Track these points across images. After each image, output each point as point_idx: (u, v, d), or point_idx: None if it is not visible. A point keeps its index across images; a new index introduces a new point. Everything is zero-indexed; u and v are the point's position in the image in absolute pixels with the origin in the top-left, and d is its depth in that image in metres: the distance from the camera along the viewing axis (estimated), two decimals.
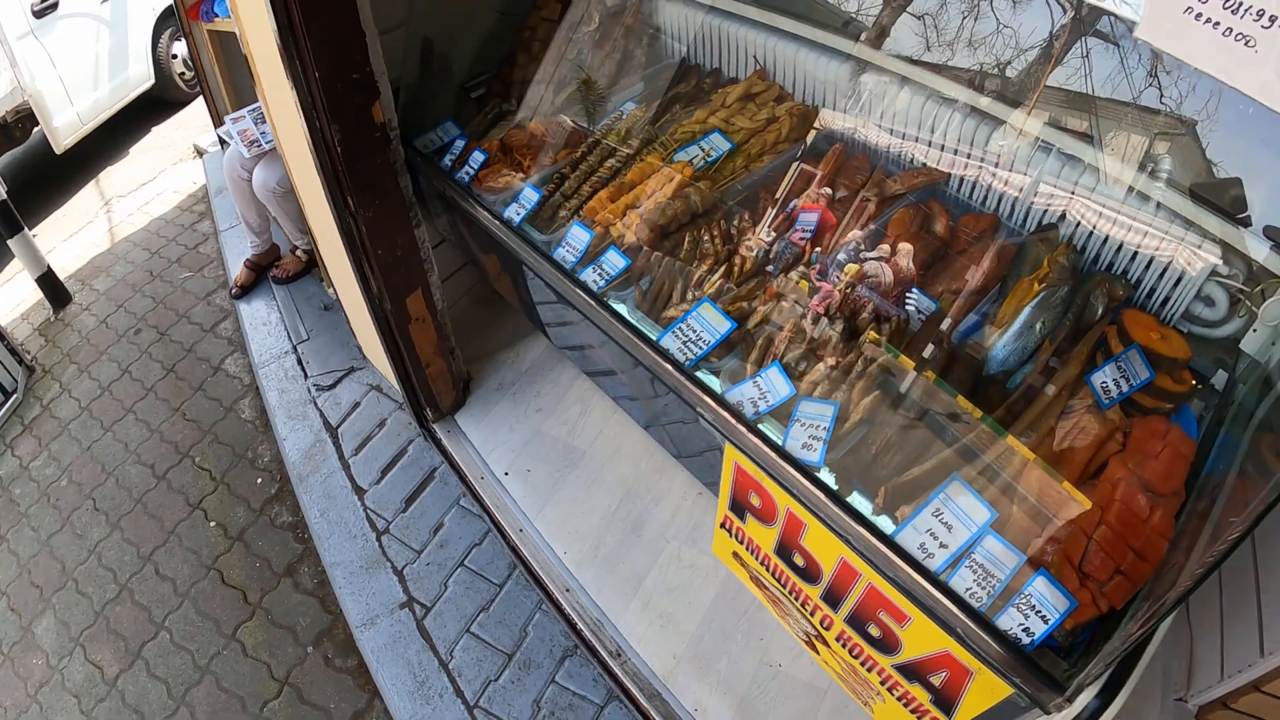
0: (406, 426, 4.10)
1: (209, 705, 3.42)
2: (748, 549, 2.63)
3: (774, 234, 2.73)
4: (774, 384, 2.33)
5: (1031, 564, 2.01)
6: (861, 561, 2.19)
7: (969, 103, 2.74)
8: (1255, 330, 2.28)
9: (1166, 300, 2.49)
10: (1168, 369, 2.30)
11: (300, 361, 4.56)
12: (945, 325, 2.38)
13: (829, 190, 2.86)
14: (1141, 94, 2.40)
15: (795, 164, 2.97)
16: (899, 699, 2.41)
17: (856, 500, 2.17)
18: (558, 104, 3.55)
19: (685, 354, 2.48)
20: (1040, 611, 1.95)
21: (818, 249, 2.70)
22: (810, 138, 3.13)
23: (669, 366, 2.48)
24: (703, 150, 3.08)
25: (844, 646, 2.50)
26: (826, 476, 2.20)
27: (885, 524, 2.12)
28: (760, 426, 2.32)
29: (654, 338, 2.54)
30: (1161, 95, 2.34)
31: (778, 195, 2.88)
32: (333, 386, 4.40)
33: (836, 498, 2.16)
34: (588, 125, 3.40)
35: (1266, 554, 2.89)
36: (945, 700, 2.23)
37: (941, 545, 2.05)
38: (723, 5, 3.46)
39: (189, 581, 3.88)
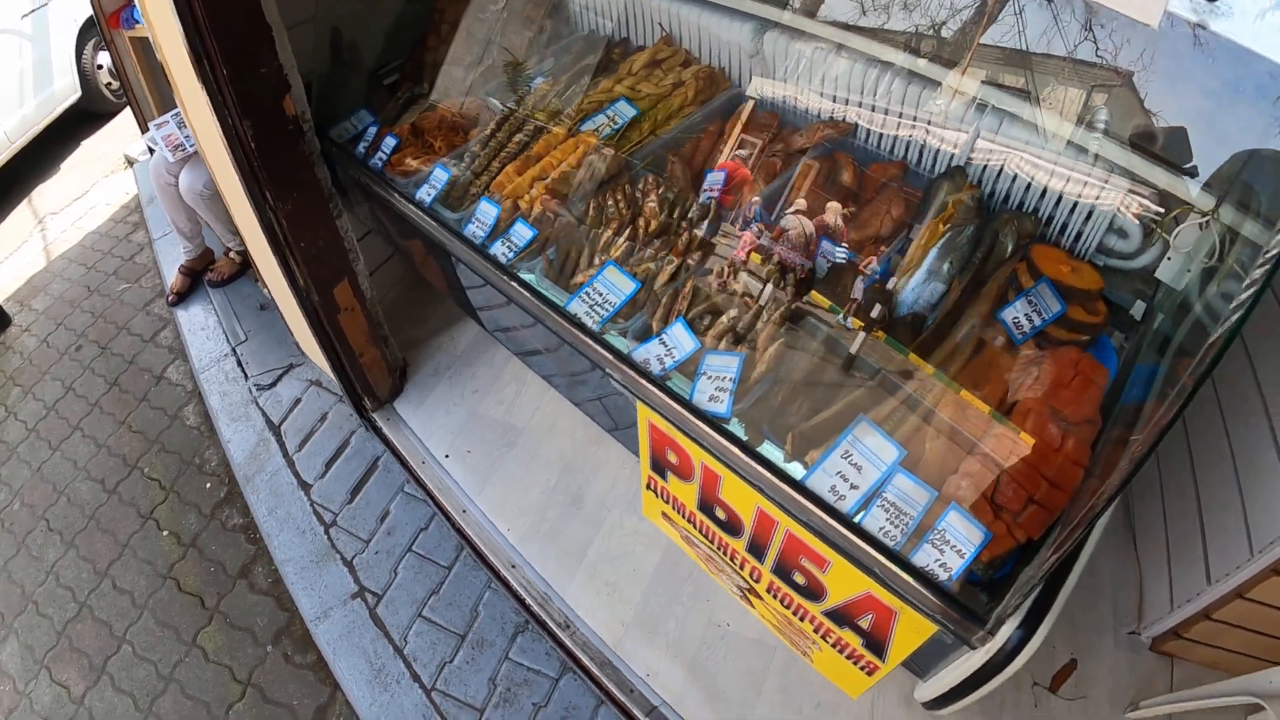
0: (348, 418, 3.92)
1: (176, 714, 3.24)
2: (674, 508, 2.48)
3: (681, 196, 2.57)
4: (679, 340, 2.18)
5: (944, 499, 1.87)
6: (777, 509, 2.05)
7: (864, 50, 2.59)
8: (1169, 258, 2.16)
9: (1079, 235, 2.36)
10: (1080, 301, 2.17)
11: (240, 363, 4.36)
12: (848, 268, 2.24)
13: (737, 150, 2.70)
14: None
15: (701, 124, 2.82)
16: (833, 645, 2.28)
17: (767, 449, 2.02)
18: (469, 84, 3.37)
19: (593, 317, 2.32)
20: (955, 546, 1.81)
21: (728, 206, 2.55)
22: (718, 98, 2.97)
23: (578, 331, 2.32)
24: (609, 118, 2.92)
25: (775, 598, 2.36)
26: (736, 428, 2.05)
27: (796, 470, 1.97)
28: (668, 383, 2.16)
29: (562, 304, 2.38)
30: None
31: (685, 156, 2.73)
32: (273, 385, 4.21)
33: (746, 448, 2.00)
34: (498, 103, 3.23)
35: (1207, 481, 2.79)
36: (876, 642, 2.10)
37: (852, 487, 1.91)
38: None
39: (147, 593, 3.69)
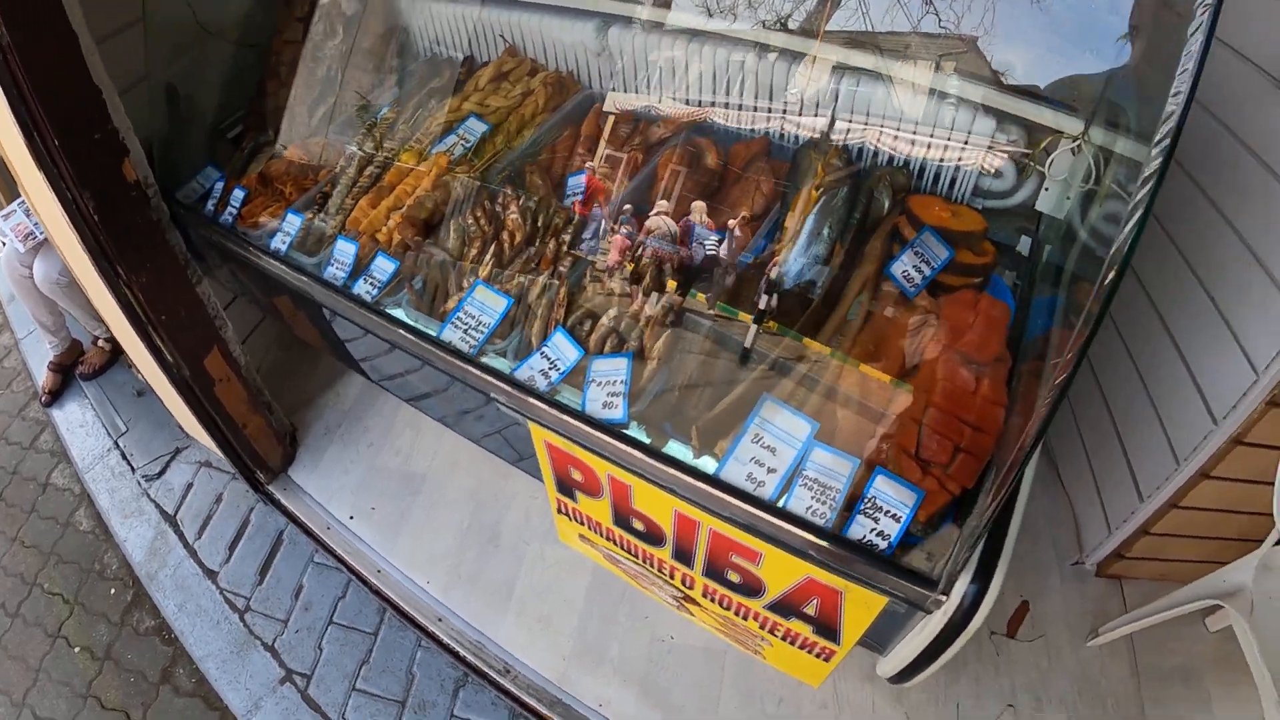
0: (244, 495, 3.55)
1: None
2: (590, 528, 2.24)
3: (544, 204, 2.34)
4: (561, 350, 1.95)
5: (867, 465, 1.68)
6: (696, 510, 1.83)
7: (713, 35, 2.41)
8: (1047, 189, 2.04)
9: (954, 181, 2.22)
10: (966, 244, 2.02)
11: (124, 455, 3.94)
12: (725, 256, 2.04)
13: (595, 150, 2.48)
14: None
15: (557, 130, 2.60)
16: (783, 639, 2.07)
17: (673, 448, 1.80)
18: (314, 124, 3.09)
19: (468, 341, 2.07)
20: (889, 511, 1.64)
21: (595, 208, 2.32)
22: (570, 102, 2.75)
23: (455, 360, 2.06)
24: (460, 137, 2.68)
25: (713, 601, 2.13)
26: (636, 431, 1.83)
27: (707, 464, 1.76)
28: (558, 398, 1.93)
29: (435, 333, 2.12)
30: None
31: (544, 164, 2.51)
32: (162, 473, 3.81)
33: (650, 450, 1.79)
34: (348, 139, 2.95)
35: (1120, 405, 2.73)
36: (827, 627, 1.90)
37: (770, 470, 1.71)
38: None
39: (68, 717, 3.27)
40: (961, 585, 1.61)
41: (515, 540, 2.94)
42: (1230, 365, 2.19)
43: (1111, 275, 1.28)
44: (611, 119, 2.53)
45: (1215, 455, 2.30)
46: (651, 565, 2.16)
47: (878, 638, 2.05)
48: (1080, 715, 2.50)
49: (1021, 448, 1.44)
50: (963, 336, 1.78)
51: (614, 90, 2.74)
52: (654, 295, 1.96)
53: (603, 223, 2.20)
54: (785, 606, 1.92)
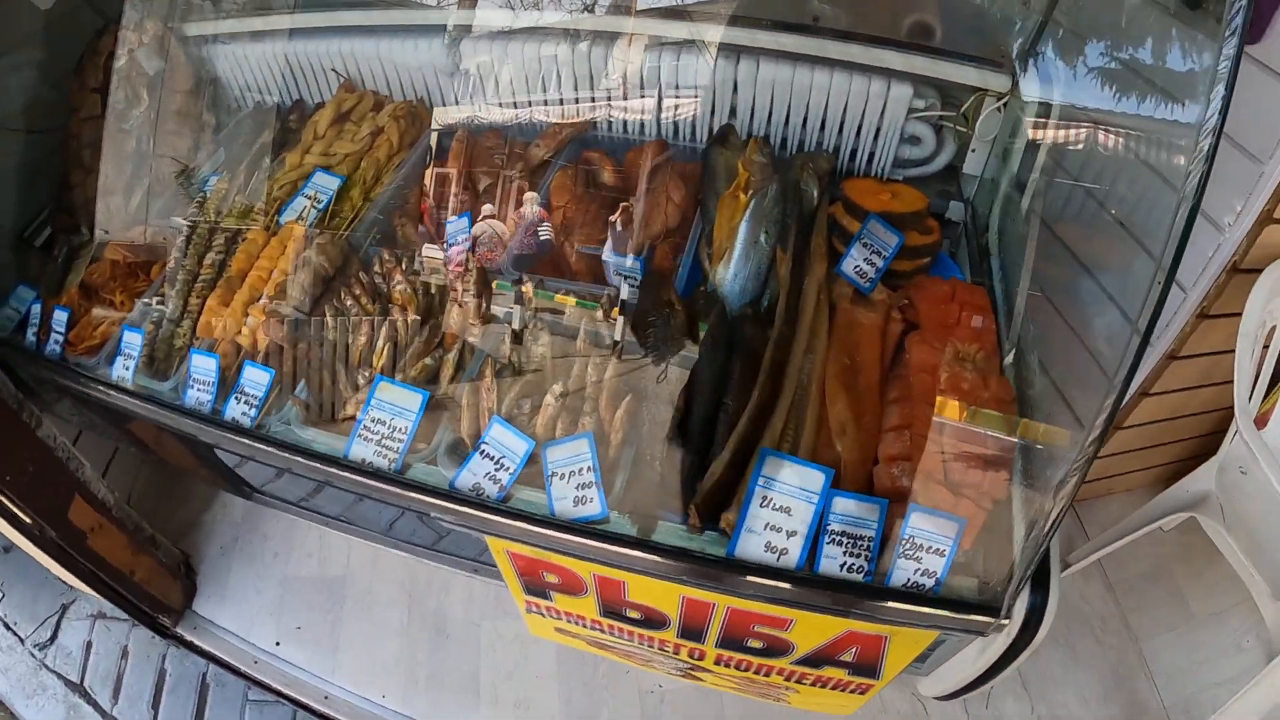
0: (151, 642, 2.93)
1: None
2: (570, 621, 1.87)
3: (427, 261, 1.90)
4: (505, 444, 1.55)
5: (895, 502, 1.40)
6: (708, 593, 1.50)
7: (569, 26, 2.01)
8: (974, 150, 1.81)
9: (872, 156, 1.95)
10: (912, 225, 1.76)
11: (8, 626, 3.20)
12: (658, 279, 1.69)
13: (471, 185, 2.06)
14: None
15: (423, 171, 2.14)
16: (813, 684, 1.79)
17: (667, 533, 1.46)
18: (133, 210, 2.47)
19: (386, 455, 1.63)
20: (931, 548, 1.38)
21: (490, 258, 1.91)
22: (429, 133, 2.27)
23: (375, 481, 1.63)
24: (309, 199, 2.17)
25: (729, 667, 1.83)
26: (621, 525, 1.47)
27: (715, 544, 1.43)
28: (514, 502, 1.54)
29: (340, 452, 1.67)
30: None
31: (414, 212, 2.05)
32: (54, 637, 3.10)
33: (644, 544, 1.43)
34: (179, 221, 2.37)
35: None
36: (865, 668, 1.64)
37: (790, 535, 1.40)
38: (266, 26, 2.49)
39: None
40: (1022, 603, 1.38)
41: (464, 624, 2.51)
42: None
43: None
44: (463, 138, 2.11)
45: (1152, 373, 2.18)
46: (651, 645, 1.82)
47: (919, 660, 1.81)
48: (1073, 644, 2.39)
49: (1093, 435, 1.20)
50: (953, 332, 1.52)
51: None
52: (596, 360, 1.59)
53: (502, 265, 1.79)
54: (818, 659, 1.64)
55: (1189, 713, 2.26)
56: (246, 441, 1.79)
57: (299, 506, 2.60)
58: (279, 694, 2.58)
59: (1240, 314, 1.94)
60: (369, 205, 2.13)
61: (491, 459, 1.55)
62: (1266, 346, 1.98)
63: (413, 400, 1.68)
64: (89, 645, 3.03)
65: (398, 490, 1.62)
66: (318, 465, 1.71)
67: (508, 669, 2.43)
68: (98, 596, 2.74)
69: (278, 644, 2.59)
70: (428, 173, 2.11)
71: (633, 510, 1.46)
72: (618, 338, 1.61)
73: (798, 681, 1.78)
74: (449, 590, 2.60)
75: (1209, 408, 2.40)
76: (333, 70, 2.45)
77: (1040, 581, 1.39)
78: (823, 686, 1.77)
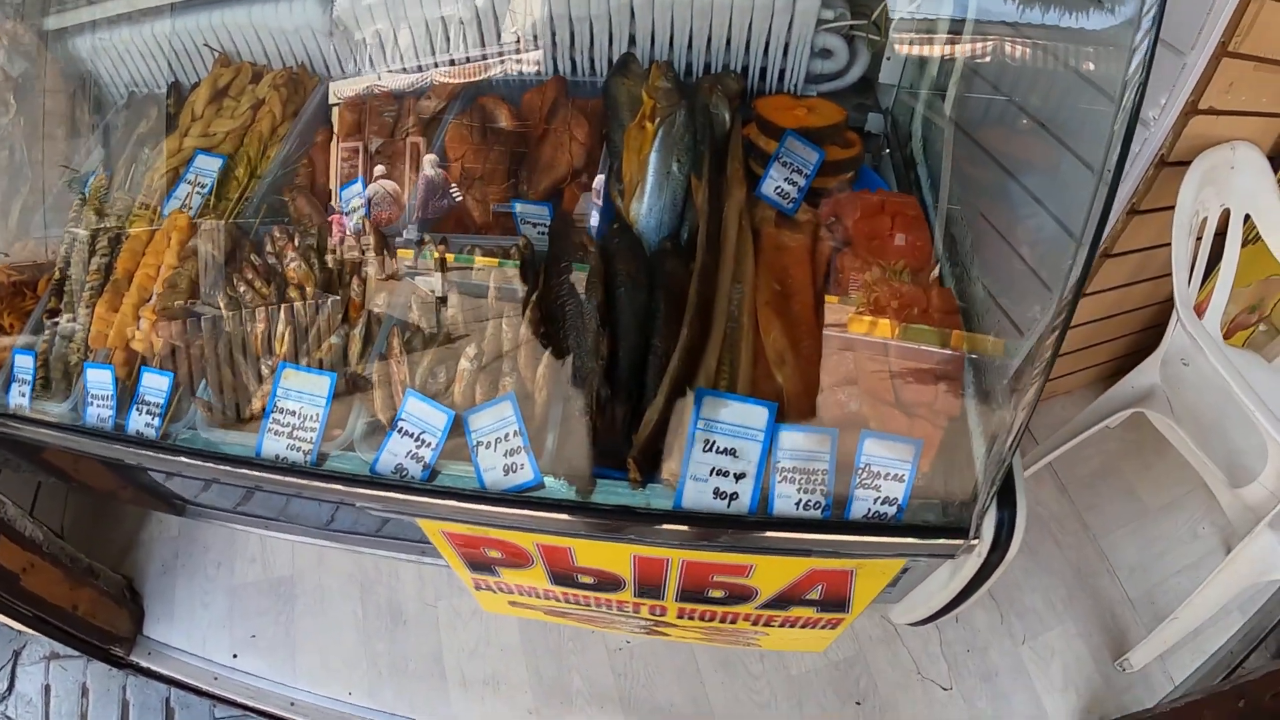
0: (110, 675, 2.68)
1: None
2: (523, 594, 1.71)
3: (324, 233, 1.69)
4: (424, 419, 1.36)
5: (846, 430, 1.25)
6: (660, 549, 1.35)
7: None
8: (889, 58, 1.65)
9: (784, 73, 1.78)
10: (831, 139, 1.60)
11: None
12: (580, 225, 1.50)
13: (361, 147, 1.84)
14: None
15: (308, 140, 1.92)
16: (782, 625, 1.66)
17: (609, 491, 1.30)
18: (14, 225, 2.20)
19: (300, 449, 1.44)
20: (889, 474, 1.25)
21: (387, 220, 1.70)
22: (313, 100, 2.03)
23: (294, 478, 1.43)
24: (192, 184, 1.93)
25: (692, 619, 1.69)
26: (557, 489, 1.30)
27: (662, 497, 1.28)
28: (441, 479, 1.36)
29: (251, 452, 1.47)
30: None
31: (306, 185, 1.83)
32: (11, 686, 2.84)
33: (583, 507, 1.27)
34: (61, 230, 2.10)
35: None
36: (834, 603, 1.51)
37: (738, 477, 1.25)
38: (129, 7, 2.20)
39: None
40: (990, 521, 1.25)
41: (420, 607, 2.33)
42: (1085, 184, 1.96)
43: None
44: (350, 100, 1.90)
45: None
46: (610, 608, 1.68)
47: (890, 587, 1.69)
48: (1033, 549, 2.30)
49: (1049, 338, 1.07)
50: (888, 248, 1.37)
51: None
52: (510, 316, 1.41)
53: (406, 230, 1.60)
54: (783, 600, 1.51)
55: (1154, 603, 2.20)
56: (151, 454, 1.58)
57: (236, 514, 2.39)
58: (245, 708, 2.38)
59: (1171, 207, 1.85)
60: (256, 183, 1.89)
61: (411, 436, 1.37)
62: (1199, 237, 1.91)
63: (320, 384, 1.48)
64: (47, 689, 2.78)
65: (317, 484, 1.42)
66: (230, 469, 1.51)
67: (470, 646, 2.27)
68: (46, 638, 2.50)
69: (235, 656, 2.39)
70: (316, 140, 1.89)
71: (568, 471, 1.29)
72: (530, 290, 1.43)
73: (765, 625, 1.65)
74: (399, 575, 2.41)
75: (1143, 304, 2.32)
76: (206, 46, 2.18)
77: (1006, 496, 1.26)
78: (792, 626, 1.65)
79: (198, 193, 1.93)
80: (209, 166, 1.95)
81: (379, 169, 1.74)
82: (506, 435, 1.31)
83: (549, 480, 1.30)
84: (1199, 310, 1.92)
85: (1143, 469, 2.41)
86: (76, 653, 2.67)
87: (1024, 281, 1.70)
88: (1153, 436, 2.38)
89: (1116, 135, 0.97)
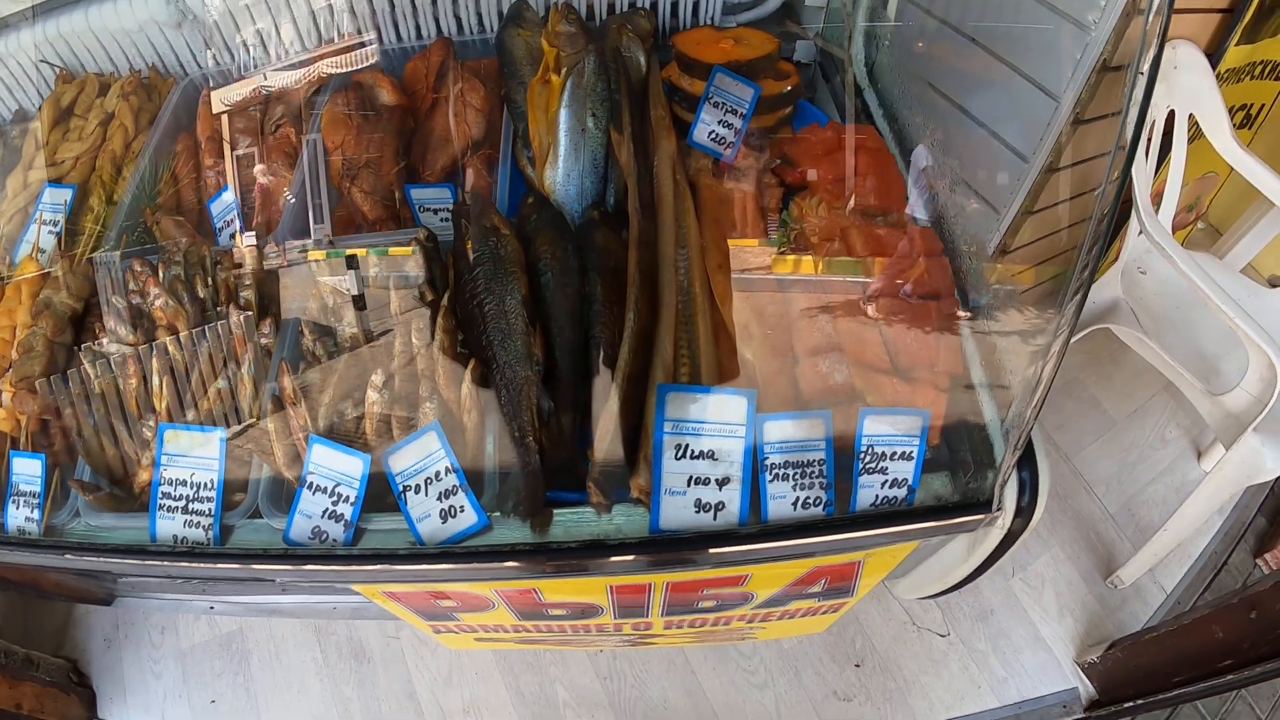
0: None
1: None
2: (489, 631, 1.40)
3: (193, 259, 1.31)
4: (333, 467, 1.02)
5: (840, 408, 0.97)
6: (640, 576, 1.05)
7: None
8: None
9: (697, 5, 1.45)
10: (765, 72, 1.27)
11: None
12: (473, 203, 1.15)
13: (232, 151, 1.46)
14: None
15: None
16: (780, 619, 1.39)
17: (570, 520, 0.99)
18: None
19: (199, 524, 1.09)
20: (896, 453, 0.96)
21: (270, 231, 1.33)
22: (170, 102, 1.62)
23: (193, 563, 1.09)
24: (43, 223, 1.52)
25: (680, 629, 1.41)
26: (508, 530, 0.99)
27: (635, 520, 0.97)
28: (370, 540, 1.03)
29: (146, 538, 1.12)
30: None
31: (169, 203, 1.44)
32: None
33: (541, 548, 0.96)
34: None
35: None
36: (838, 591, 1.25)
37: (722, 483, 0.96)
38: None
39: None
40: (1011, 490, 0.99)
41: (383, 642, 1.98)
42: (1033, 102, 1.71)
43: None
44: (207, 95, 1.51)
45: (1032, 190, 1.84)
46: (588, 632, 1.38)
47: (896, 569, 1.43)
48: None
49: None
50: (858, 186, 1.07)
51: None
52: (419, 325, 1.07)
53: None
54: (783, 598, 1.23)
55: (1134, 514, 2.00)
56: (32, 554, 1.21)
57: (167, 594, 2.02)
58: None
59: (1114, 114, 1.61)
60: (113, 211, 1.50)
61: (325, 491, 1.03)
62: (1148, 140, 1.68)
63: (208, 442, 1.13)
64: None
65: (225, 565, 1.08)
66: (121, 560, 1.15)
67: (444, 675, 1.94)
68: None
69: None
70: (177, 150, 1.50)
71: (517, 505, 0.98)
72: (439, 292, 1.09)
73: (762, 621, 1.38)
74: (353, 610, 2.07)
75: (1084, 216, 2.09)
76: (45, 63, 1.74)
77: (1025, 456, 1.00)
78: (791, 618, 1.38)
79: (50, 232, 1.52)
80: (58, 199, 1.54)
81: (253, 173, 1.37)
82: (438, 474, 0.98)
83: (497, 519, 0.99)
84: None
85: (1103, 380, 2.20)
86: None
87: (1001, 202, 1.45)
88: (1107, 345, 2.18)
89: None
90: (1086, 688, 1.83)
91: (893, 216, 1.04)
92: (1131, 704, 1.71)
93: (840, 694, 1.85)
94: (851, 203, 1.09)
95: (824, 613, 1.37)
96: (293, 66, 1.39)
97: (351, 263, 1.17)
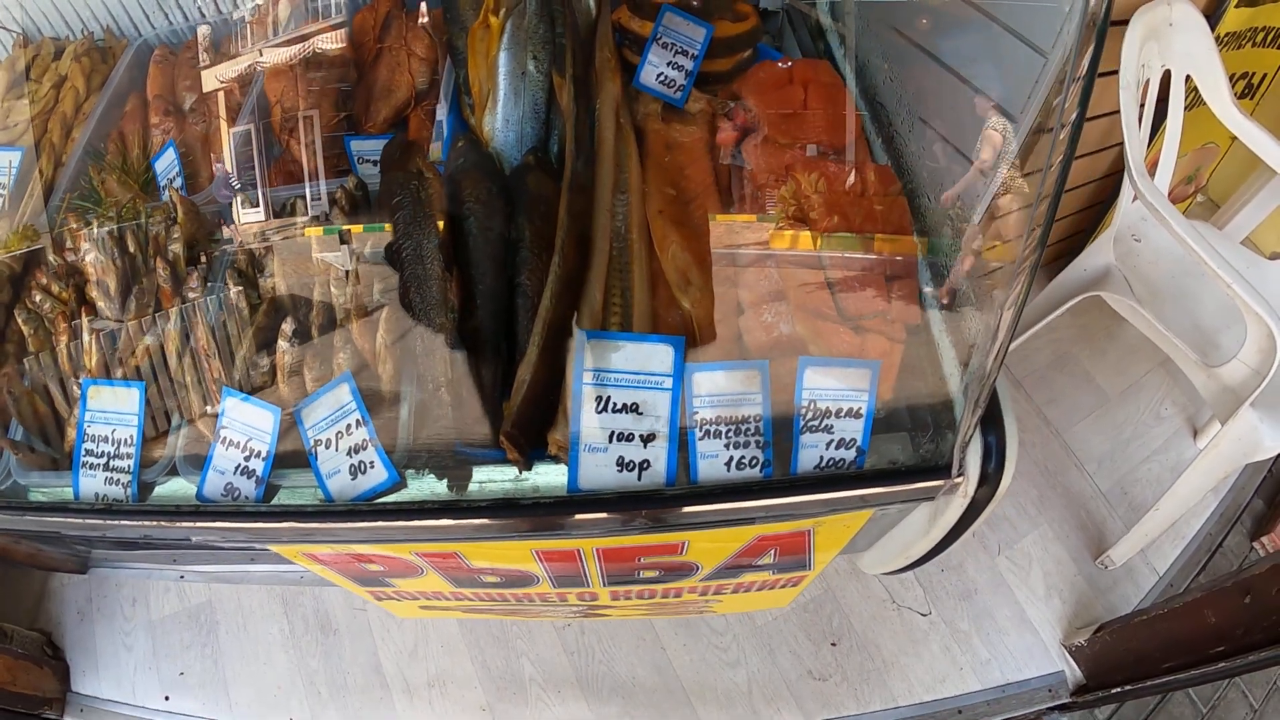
0: None
1: None
2: (429, 599, 1.31)
3: (129, 214, 1.23)
4: (247, 421, 0.94)
5: (780, 360, 0.86)
6: (565, 541, 0.95)
7: None
8: None
9: None
10: (719, 11, 1.16)
11: None
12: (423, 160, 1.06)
13: (173, 107, 1.37)
14: None
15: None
16: (735, 592, 1.29)
17: (487, 477, 0.89)
18: None
19: (120, 482, 1.02)
20: (842, 409, 0.85)
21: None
22: (122, 63, 1.54)
23: (114, 520, 1.01)
24: None
25: (629, 599, 1.31)
26: (421, 483, 0.90)
27: (553, 476, 0.88)
28: (283, 496, 0.94)
29: (70, 494, 1.04)
30: None
31: (115, 162, 1.36)
32: None
33: (454, 508, 0.86)
34: None
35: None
36: (792, 563, 1.14)
37: (647, 440, 0.85)
38: None
39: None
40: (976, 452, 0.87)
41: (348, 615, 1.90)
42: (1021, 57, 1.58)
43: None
44: (160, 55, 1.43)
45: (1020, 151, 1.70)
46: (531, 601, 1.28)
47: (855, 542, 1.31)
48: None
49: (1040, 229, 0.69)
50: (805, 125, 0.96)
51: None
52: (336, 274, 0.98)
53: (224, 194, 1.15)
54: (733, 569, 1.12)
55: (1126, 493, 1.87)
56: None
57: (137, 562, 1.96)
58: None
59: (1109, 72, 1.48)
60: (62, 171, 1.42)
61: (237, 446, 0.95)
62: (1142, 104, 1.54)
63: (128, 398, 1.05)
64: None
65: (137, 522, 1.00)
66: (41, 517, 1.08)
67: (409, 647, 1.85)
68: None
69: (167, 699, 1.96)
70: (126, 110, 1.42)
71: (431, 460, 0.89)
72: (352, 240, 0.99)
73: (716, 594, 1.28)
74: (322, 586, 1.99)
75: (1077, 182, 1.95)
76: (1, 28, 1.67)
77: (990, 419, 0.88)
78: (747, 591, 1.28)
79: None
80: (7, 162, 1.47)
81: (196, 129, 1.29)
82: (348, 427, 0.89)
83: (410, 475, 0.89)
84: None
85: (1097, 355, 2.06)
86: None
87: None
88: (1101, 318, 2.04)
89: None
90: (1073, 671, 1.70)
91: (847, 154, 0.93)
92: (1120, 689, 1.59)
93: (816, 673, 1.74)
94: (806, 144, 0.97)
95: (783, 586, 1.27)
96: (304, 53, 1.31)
97: (344, 238, 1.08)
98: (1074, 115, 0.70)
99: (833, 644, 1.76)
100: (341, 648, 1.87)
